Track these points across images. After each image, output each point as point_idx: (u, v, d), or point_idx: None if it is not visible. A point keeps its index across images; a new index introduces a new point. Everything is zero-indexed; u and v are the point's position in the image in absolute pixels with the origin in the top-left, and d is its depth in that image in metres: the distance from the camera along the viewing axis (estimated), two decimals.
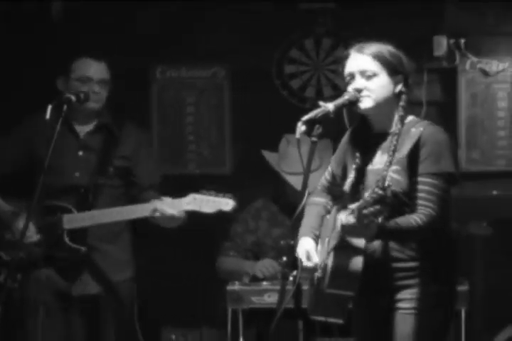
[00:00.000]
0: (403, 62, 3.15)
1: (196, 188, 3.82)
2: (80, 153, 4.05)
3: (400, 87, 3.13)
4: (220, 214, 4.52)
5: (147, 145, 4.21)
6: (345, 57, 3.16)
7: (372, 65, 3.10)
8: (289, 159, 4.54)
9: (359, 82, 3.09)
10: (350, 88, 3.11)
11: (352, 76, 3.12)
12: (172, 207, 3.79)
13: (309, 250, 3.18)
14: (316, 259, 3.15)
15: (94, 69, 4.03)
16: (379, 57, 3.10)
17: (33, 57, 5.17)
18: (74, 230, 3.90)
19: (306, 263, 3.14)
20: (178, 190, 3.86)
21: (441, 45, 5.05)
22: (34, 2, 5.19)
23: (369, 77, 3.10)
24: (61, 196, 3.96)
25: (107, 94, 4.04)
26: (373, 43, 3.14)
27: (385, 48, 3.13)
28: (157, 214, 3.79)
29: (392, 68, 3.11)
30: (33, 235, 3.89)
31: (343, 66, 3.16)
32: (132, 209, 3.88)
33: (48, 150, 3.77)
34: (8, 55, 5.14)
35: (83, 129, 4.07)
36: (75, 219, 3.89)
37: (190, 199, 3.81)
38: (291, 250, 3.01)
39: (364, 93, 3.08)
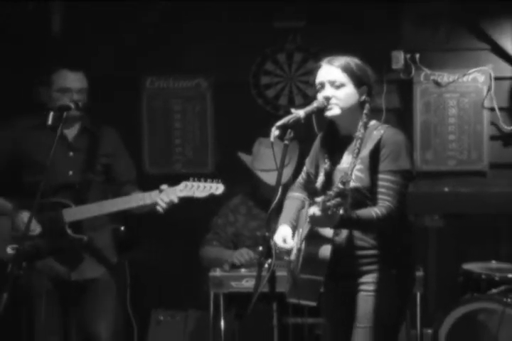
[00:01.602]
0: (368, 74, 3.19)
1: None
2: (71, 153, 4.03)
3: (364, 97, 3.16)
4: (204, 207, 4.53)
5: (122, 144, 4.19)
6: (317, 67, 3.19)
7: (341, 76, 3.13)
8: (261, 158, 4.57)
9: (328, 91, 3.13)
10: (320, 96, 3.13)
11: (322, 85, 3.15)
12: (167, 195, 3.80)
13: (285, 235, 3.23)
14: (290, 242, 3.17)
15: (73, 80, 3.96)
16: (347, 70, 3.13)
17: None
18: (73, 222, 3.89)
19: (282, 245, 3.16)
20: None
21: (399, 59, 5.09)
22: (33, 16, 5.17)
23: (337, 86, 3.13)
24: (58, 193, 3.94)
25: (85, 101, 4.01)
26: (342, 57, 3.17)
27: (352, 61, 3.17)
28: (157, 201, 3.80)
29: (359, 80, 3.15)
30: (35, 228, 3.87)
31: (314, 76, 3.19)
32: (132, 199, 3.87)
33: (39, 153, 3.84)
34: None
35: (70, 133, 4.05)
36: (74, 213, 3.88)
37: (182, 186, 3.81)
38: (267, 240, 3.02)
39: (332, 101, 3.12)
